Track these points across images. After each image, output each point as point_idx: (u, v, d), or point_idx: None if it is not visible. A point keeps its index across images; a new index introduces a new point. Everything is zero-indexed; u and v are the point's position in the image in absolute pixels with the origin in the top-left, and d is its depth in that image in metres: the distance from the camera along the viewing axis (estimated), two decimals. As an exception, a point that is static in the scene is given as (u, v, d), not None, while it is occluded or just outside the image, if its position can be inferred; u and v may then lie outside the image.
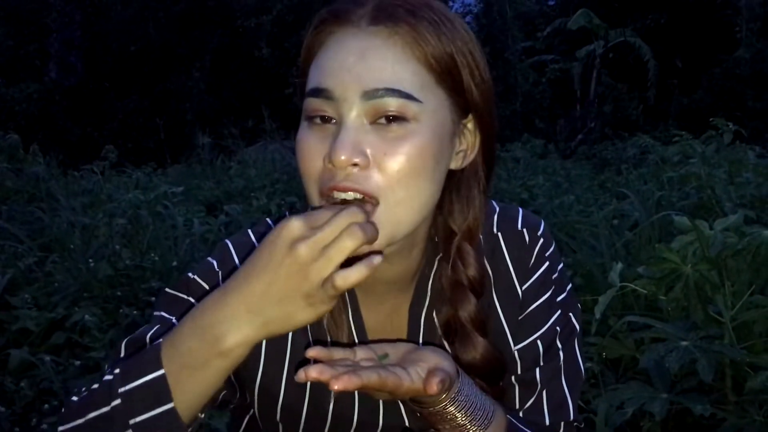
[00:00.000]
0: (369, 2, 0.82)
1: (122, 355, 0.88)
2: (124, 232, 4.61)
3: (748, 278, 2.24)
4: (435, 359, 0.82)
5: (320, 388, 0.91)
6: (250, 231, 0.96)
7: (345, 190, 0.77)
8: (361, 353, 0.80)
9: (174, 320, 0.89)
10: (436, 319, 0.95)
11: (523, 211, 1.00)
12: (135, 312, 3.38)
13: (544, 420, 0.95)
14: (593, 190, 6.77)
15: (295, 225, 0.70)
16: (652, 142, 7.70)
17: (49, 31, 15.98)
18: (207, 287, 0.91)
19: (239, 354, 0.74)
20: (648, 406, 1.89)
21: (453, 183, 0.90)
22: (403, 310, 0.96)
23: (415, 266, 0.93)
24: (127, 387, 0.75)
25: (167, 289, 0.94)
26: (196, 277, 0.92)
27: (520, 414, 0.95)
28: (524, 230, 0.97)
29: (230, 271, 0.86)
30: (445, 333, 0.93)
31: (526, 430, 0.92)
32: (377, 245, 0.76)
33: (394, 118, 0.78)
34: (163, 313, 0.91)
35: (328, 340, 0.92)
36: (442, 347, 0.94)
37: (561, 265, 1.00)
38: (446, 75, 0.81)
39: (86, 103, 15.35)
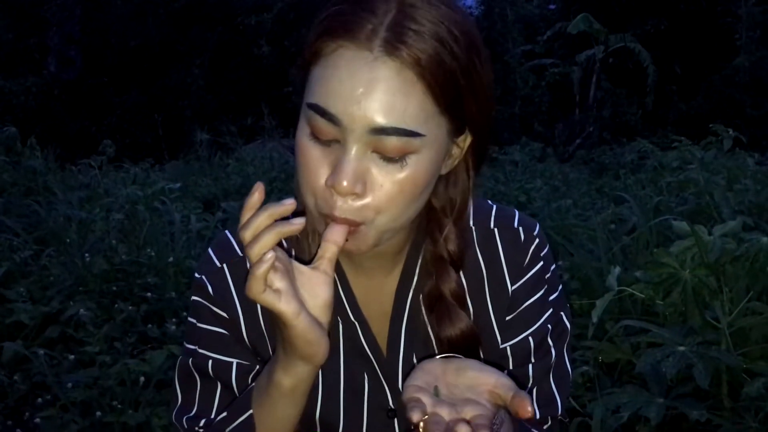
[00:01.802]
0: (380, 17, 0.78)
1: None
2: (120, 228, 4.60)
3: (746, 284, 2.25)
4: (491, 378, 0.82)
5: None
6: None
7: (340, 222, 0.81)
8: (426, 399, 0.80)
9: (209, 327, 0.99)
10: (421, 301, 0.97)
11: (519, 213, 1.02)
12: (130, 307, 3.37)
13: (535, 415, 0.98)
14: (591, 194, 6.78)
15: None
16: (651, 148, 7.70)
17: (49, 25, 15.95)
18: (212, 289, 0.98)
19: (303, 389, 0.87)
20: (644, 410, 1.89)
21: (442, 174, 0.91)
22: (389, 288, 0.98)
23: (400, 243, 0.95)
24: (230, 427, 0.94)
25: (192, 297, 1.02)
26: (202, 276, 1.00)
27: None
28: (520, 228, 0.99)
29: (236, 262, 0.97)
30: (428, 307, 0.96)
31: (531, 428, 0.95)
32: (363, 249, 0.84)
33: (396, 153, 0.79)
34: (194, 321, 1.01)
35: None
36: (425, 326, 0.97)
37: (554, 267, 1.02)
38: (450, 103, 0.81)
39: (85, 97, 15.33)
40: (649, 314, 2.53)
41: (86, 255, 3.91)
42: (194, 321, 0.99)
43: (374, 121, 0.77)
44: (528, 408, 0.76)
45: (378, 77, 0.77)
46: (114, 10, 16.64)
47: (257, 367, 0.97)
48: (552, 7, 21.17)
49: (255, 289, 0.75)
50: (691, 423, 1.98)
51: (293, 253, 0.96)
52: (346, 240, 0.82)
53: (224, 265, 0.98)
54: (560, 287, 1.02)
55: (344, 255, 0.96)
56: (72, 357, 2.98)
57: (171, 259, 3.86)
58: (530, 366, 0.98)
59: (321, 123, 0.79)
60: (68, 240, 4.24)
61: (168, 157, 10.32)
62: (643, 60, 15.63)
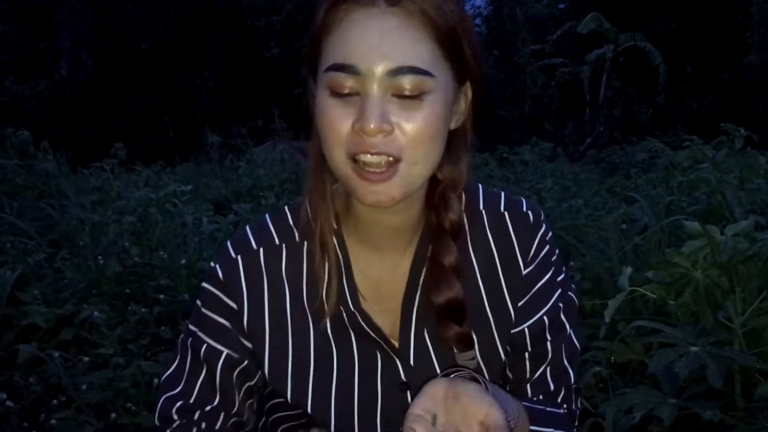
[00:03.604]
0: None
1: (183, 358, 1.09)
2: (133, 230, 4.62)
3: (759, 284, 2.23)
4: (482, 408, 0.85)
5: (324, 354, 1.03)
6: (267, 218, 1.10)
7: (376, 154, 0.87)
8: (420, 429, 0.83)
9: (211, 315, 1.05)
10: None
11: (525, 199, 1.10)
12: (143, 309, 3.39)
13: (549, 387, 1.08)
14: (602, 194, 6.75)
15: None
16: (662, 147, 7.66)
17: (61, 28, 16.04)
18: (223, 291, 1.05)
19: None
20: (656, 411, 1.89)
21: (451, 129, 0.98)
22: (404, 268, 1.04)
23: (414, 219, 1.02)
24: None
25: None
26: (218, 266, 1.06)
27: (528, 385, 1.08)
28: (529, 212, 1.07)
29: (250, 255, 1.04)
30: (428, 272, 1.02)
31: (545, 407, 1.04)
32: (397, 198, 0.90)
33: (413, 92, 0.87)
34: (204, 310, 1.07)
35: (325, 308, 1.01)
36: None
37: (557, 250, 1.10)
38: (452, 49, 0.90)
39: (96, 100, 15.41)
40: (661, 314, 2.53)
41: (99, 257, 3.94)
42: (200, 305, 1.07)
43: (390, 64, 0.86)
44: None
45: (389, 26, 0.86)
46: (125, 13, 16.70)
47: (246, 361, 1.05)
48: (561, 6, 21.11)
49: None
50: (704, 423, 1.97)
51: (306, 243, 1.03)
52: (379, 187, 0.88)
53: (239, 257, 1.05)
54: (564, 269, 1.10)
55: (362, 237, 1.02)
56: (86, 359, 3.01)
57: (183, 261, 3.88)
58: (548, 343, 1.06)
59: (341, 78, 0.87)
60: (81, 243, 4.27)
61: (179, 159, 10.34)
62: (654, 59, 15.57)
